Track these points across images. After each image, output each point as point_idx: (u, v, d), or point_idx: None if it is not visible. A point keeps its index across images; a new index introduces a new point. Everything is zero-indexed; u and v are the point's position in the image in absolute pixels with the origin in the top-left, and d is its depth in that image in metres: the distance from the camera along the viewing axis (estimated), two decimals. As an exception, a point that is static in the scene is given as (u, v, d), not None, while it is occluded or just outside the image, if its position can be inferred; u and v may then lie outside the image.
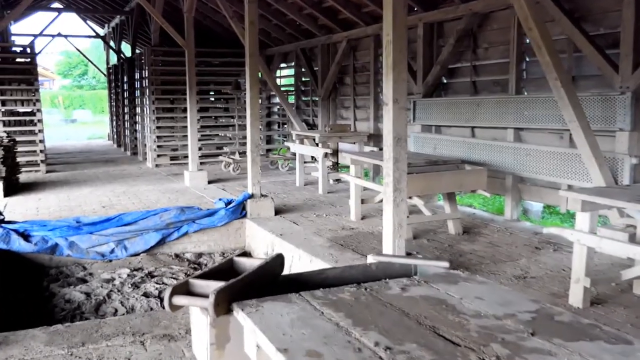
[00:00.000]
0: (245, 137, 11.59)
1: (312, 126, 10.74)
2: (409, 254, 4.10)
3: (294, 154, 10.64)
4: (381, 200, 6.37)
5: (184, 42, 8.66)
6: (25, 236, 5.28)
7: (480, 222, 6.22)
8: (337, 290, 1.96)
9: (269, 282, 2.16)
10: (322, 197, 7.74)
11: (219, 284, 1.89)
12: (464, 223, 5.87)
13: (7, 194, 7.78)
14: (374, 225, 6.01)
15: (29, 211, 6.86)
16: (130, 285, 4.70)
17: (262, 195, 6.51)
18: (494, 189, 6.36)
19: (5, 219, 5.53)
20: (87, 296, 4.52)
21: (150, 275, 5.07)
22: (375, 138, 8.77)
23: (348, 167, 9.16)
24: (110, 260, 5.50)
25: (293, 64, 11.49)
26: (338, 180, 8.75)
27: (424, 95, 7.53)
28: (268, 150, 12.47)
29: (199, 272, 2.17)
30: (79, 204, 7.29)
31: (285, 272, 5.27)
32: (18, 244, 5.18)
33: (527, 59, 6.25)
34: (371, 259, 2.39)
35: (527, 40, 6.20)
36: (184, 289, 2.01)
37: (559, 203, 5.82)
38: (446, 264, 2.17)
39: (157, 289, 4.61)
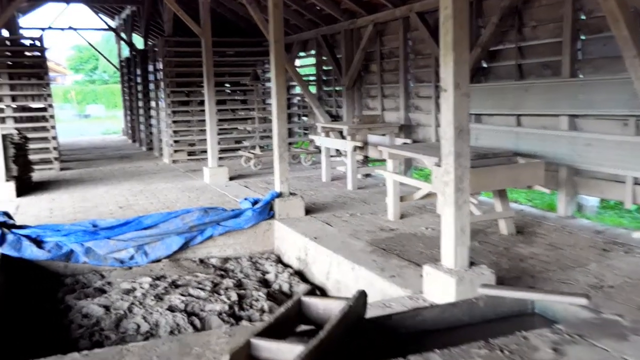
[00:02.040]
0: (265, 130, 11.19)
1: (335, 117, 10.19)
2: (473, 263, 3.56)
3: (317, 148, 10.15)
4: (422, 197, 5.85)
5: (199, 30, 8.15)
6: (38, 242, 4.84)
7: (531, 219, 5.65)
8: (462, 354, 1.44)
9: (352, 326, 1.65)
10: (352, 193, 7.22)
11: (297, 349, 1.37)
12: (514, 221, 5.30)
13: (19, 194, 7.37)
14: (415, 226, 5.48)
15: (42, 213, 6.43)
16: (152, 297, 4.24)
17: (290, 194, 6.01)
18: (545, 182, 5.77)
19: (17, 224, 5.09)
20: (107, 310, 4.06)
21: (174, 284, 4.60)
22: (406, 129, 8.21)
23: (378, 161, 8.63)
24: (130, 267, 5.05)
25: (313, 52, 10.92)
26: (368, 175, 8.21)
27: (463, 82, 6.93)
28: (289, 144, 11.93)
29: (261, 326, 1.60)
30: (94, 205, 6.85)
31: (323, 278, 4.80)
32: (30, 251, 4.74)
33: (583, 37, 5.62)
34: (479, 290, 1.87)
35: (583, 16, 5.60)
36: (244, 354, 1.49)
37: (623, 197, 5.23)
38: (583, 301, 1.64)
39: (182, 301, 4.13)
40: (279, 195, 5.89)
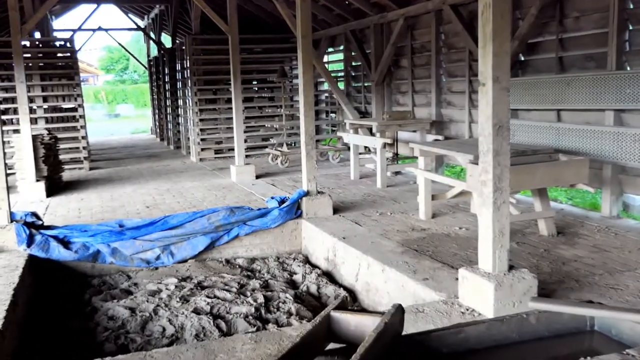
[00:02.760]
0: (293, 128, 11.06)
1: (364, 114, 9.98)
2: (512, 267, 3.33)
3: (345, 145, 9.96)
4: (455, 196, 5.61)
5: (226, 27, 8.06)
6: (65, 243, 4.81)
7: (573, 219, 5.35)
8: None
9: (389, 345, 1.47)
10: (381, 191, 7.02)
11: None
12: (554, 222, 5.02)
13: (49, 194, 7.43)
14: (448, 226, 5.26)
15: (70, 213, 6.44)
16: (178, 299, 4.14)
17: (318, 192, 5.85)
18: (589, 181, 5.45)
19: (45, 224, 5.08)
20: (132, 312, 3.98)
21: (200, 285, 4.50)
22: (437, 125, 7.95)
23: (408, 158, 8.40)
24: (156, 268, 4.98)
25: (342, 47, 10.72)
26: (397, 173, 7.99)
27: (498, 75, 6.63)
28: (316, 141, 11.78)
29: (285, 348, 1.41)
30: (122, 204, 6.83)
31: (352, 280, 4.63)
32: (57, 252, 4.72)
33: (631, 28, 5.28)
34: (531, 304, 1.67)
35: (631, 5, 5.26)
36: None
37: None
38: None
39: (208, 303, 4.02)
40: (307, 193, 5.74)
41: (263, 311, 3.99)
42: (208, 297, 4.13)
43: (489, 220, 3.24)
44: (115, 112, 32.58)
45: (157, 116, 15.96)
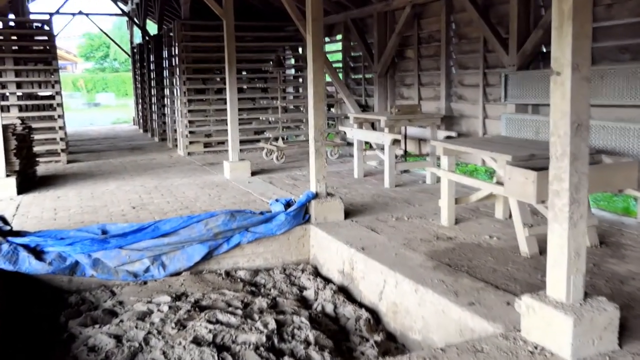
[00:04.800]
0: (287, 121, 10.41)
1: (364, 107, 9.38)
2: (587, 295, 2.76)
3: (344, 140, 9.37)
4: (481, 199, 5.05)
5: (221, 11, 7.34)
6: (38, 253, 4.11)
7: (608, 227, 4.84)
8: None
9: None
10: (390, 192, 6.43)
11: None
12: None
13: (21, 191, 6.67)
14: (476, 234, 4.69)
15: (45, 213, 5.71)
16: (174, 324, 3.49)
17: (328, 194, 5.23)
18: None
19: (13, 229, 4.37)
20: (118, 341, 3.33)
21: (198, 305, 3.86)
22: (447, 120, 7.38)
23: (417, 156, 7.83)
24: (145, 282, 4.31)
25: (339, 37, 10.08)
26: (405, 171, 7.42)
27: (519, 68, 6.10)
28: (311, 135, 11.15)
29: None
30: (104, 204, 6.12)
31: (374, 298, 4.03)
32: (28, 264, 4.02)
33: None
34: None
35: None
36: None
37: None
38: None
39: (210, 331, 3.38)
40: (315, 196, 5.12)
41: (276, 340, 3.37)
42: (209, 322, 3.49)
43: (563, 239, 2.66)
44: (95, 101, 31.42)
45: (140, 106, 15.14)
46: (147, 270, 4.32)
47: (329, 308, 4.04)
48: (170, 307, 3.76)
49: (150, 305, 3.81)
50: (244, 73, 10.94)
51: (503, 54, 6.25)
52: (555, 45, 2.65)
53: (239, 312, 3.73)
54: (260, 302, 3.99)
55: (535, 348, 2.69)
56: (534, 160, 4.14)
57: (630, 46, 5.22)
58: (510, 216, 5.07)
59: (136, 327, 3.45)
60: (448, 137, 6.92)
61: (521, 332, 2.82)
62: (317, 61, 5.04)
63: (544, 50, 6.14)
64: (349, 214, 5.32)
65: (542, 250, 4.14)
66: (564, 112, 2.62)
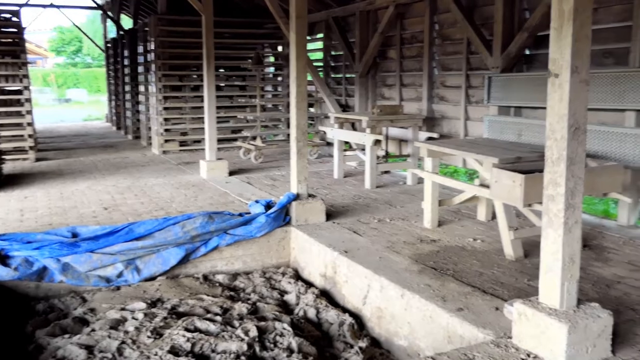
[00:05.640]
0: (268, 120, 10.22)
1: (344, 107, 9.27)
2: (580, 301, 2.71)
3: (323, 140, 9.25)
4: (464, 202, 4.98)
5: (200, 6, 7.13)
6: (2, 257, 3.86)
7: (590, 229, 4.83)
8: None
9: None
10: (371, 193, 6.33)
11: None
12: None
13: (-14, 189, 6.34)
14: (459, 236, 4.63)
15: (10, 215, 5.41)
16: (149, 333, 3.31)
17: (309, 196, 5.10)
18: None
19: (-24, 231, 4.11)
20: (90, 353, 3.13)
21: (175, 311, 3.68)
22: (428, 121, 7.32)
23: (398, 157, 7.76)
24: (118, 288, 4.10)
25: (321, 35, 9.95)
26: (385, 172, 7.34)
27: (503, 70, 6.07)
28: (289, 135, 11.00)
29: None
30: (74, 204, 5.84)
31: (358, 303, 3.91)
32: (-8, 269, 3.77)
33: None
34: None
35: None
36: None
37: None
38: None
39: (188, 339, 3.21)
40: (296, 197, 4.97)
41: (258, 348, 3.22)
42: (187, 329, 3.32)
43: (557, 245, 2.60)
44: (66, 97, 30.54)
45: (114, 103, 14.73)
46: (120, 275, 4.11)
47: (311, 313, 3.91)
48: (145, 315, 3.57)
49: (123, 313, 3.61)
50: (221, 70, 10.72)
51: (487, 55, 6.21)
52: (554, 46, 2.57)
53: (218, 318, 3.57)
54: (240, 307, 3.84)
55: (528, 356, 2.62)
56: (520, 163, 4.13)
57: (614, 50, 5.23)
58: (493, 218, 5.05)
59: (109, 337, 3.25)
60: (430, 138, 6.87)
61: (512, 339, 2.75)
62: (300, 59, 4.90)
63: (528, 53, 6.13)
64: (330, 215, 5.20)
65: (527, 253, 4.13)
66: (561, 115, 2.55)
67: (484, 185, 4.52)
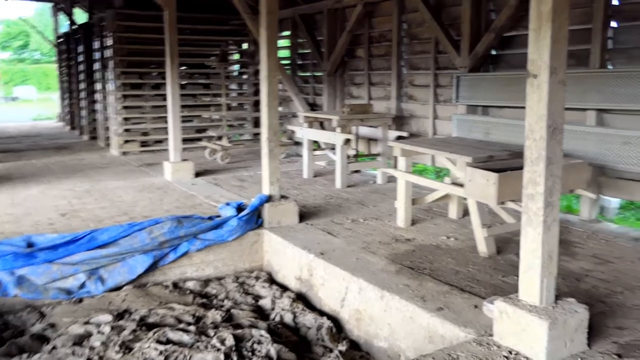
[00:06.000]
0: (234, 119, 9.99)
1: (312, 106, 9.15)
2: (558, 297, 2.73)
3: (291, 139, 9.11)
4: (436, 200, 4.96)
5: (163, 0, 6.85)
6: (-50, 269, 3.55)
7: (555, 225, 4.91)
8: None
9: None
10: (343, 193, 6.25)
11: None
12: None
13: None
14: (433, 235, 4.61)
15: (-42, 222, 5.03)
16: (118, 347, 3.09)
17: (282, 197, 4.95)
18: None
19: None
20: (52, 372, 2.89)
21: (145, 323, 3.47)
22: (397, 120, 7.30)
23: (367, 156, 7.69)
24: (81, 300, 3.84)
25: (287, 33, 9.78)
26: (356, 171, 7.27)
27: (471, 70, 6.11)
28: (255, 135, 10.80)
29: None
30: (27, 211, 5.46)
31: (335, 305, 3.80)
32: (-61, 283, 3.45)
33: (616, 25, 4.99)
34: None
35: (616, 1, 4.93)
36: None
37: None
38: None
39: (161, 353, 3.02)
40: (269, 199, 4.82)
41: (235, 358, 3.07)
42: (159, 342, 3.13)
43: (537, 243, 2.63)
44: (13, 95, 29.10)
45: (67, 101, 14.08)
46: (82, 286, 3.86)
47: (288, 318, 3.78)
48: (112, 328, 3.35)
49: (88, 327, 3.38)
50: (183, 68, 10.40)
51: (455, 55, 6.24)
52: (533, 47, 2.60)
53: (192, 328, 3.39)
54: (214, 315, 3.67)
55: (510, 353, 2.63)
56: (493, 161, 4.15)
57: (575, 52, 5.34)
58: (464, 216, 5.06)
59: (73, 354, 3.03)
60: (399, 137, 6.84)
61: (494, 336, 2.76)
62: (271, 57, 4.76)
63: (494, 53, 6.19)
64: (303, 216, 5.08)
65: (499, 250, 4.18)
66: (540, 115, 2.59)
67: (456, 183, 4.52)
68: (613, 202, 5.86)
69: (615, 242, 4.41)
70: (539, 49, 2.55)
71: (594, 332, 2.80)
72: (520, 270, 2.74)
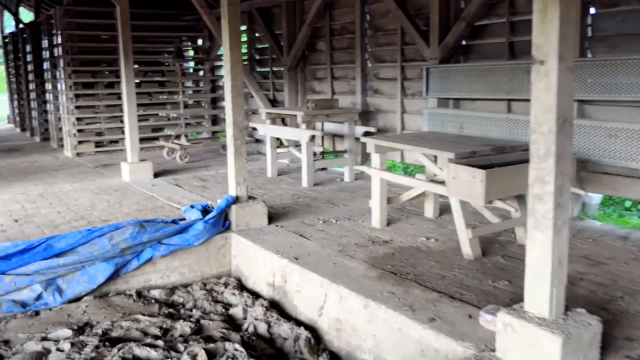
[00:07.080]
0: (192, 117, 9.64)
1: (272, 102, 8.94)
2: (567, 308, 2.53)
3: (252, 137, 8.89)
4: (412, 199, 4.83)
5: (114, -5, 6.50)
6: None
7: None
8: None
9: None
10: (310, 192, 6.09)
11: None
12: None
13: None
14: (411, 235, 4.46)
15: None
16: (79, 367, 2.84)
17: (249, 198, 4.75)
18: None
19: None
20: (5, 398, 2.62)
21: (108, 338, 3.21)
22: (363, 115, 7.18)
23: (332, 153, 7.54)
24: (37, 313, 3.54)
25: (244, 28, 9.51)
26: (322, 169, 7.13)
27: (441, 61, 6.01)
28: (214, 133, 10.52)
29: None
30: (-25, 218, 5.08)
31: (313, 314, 3.60)
32: None
33: (594, 11, 4.88)
34: None
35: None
36: None
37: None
38: None
39: (128, 371, 2.78)
40: (236, 200, 4.61)
41: (209, 373, 2.86)
42: (125, 359, 2.88)
43: (546, 248, 2.38)
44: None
45: (16, 102, 13.38)
46: (38, 297, 3.56)
47: (262, 328, 3.59)
48: (72, 344, 3.08)
49: (45, 343, 3.10)
50: (136, 66, 9.97)
51: (424, 46, 6.12)
52: (538, 30, 2.33)
53: (160, 342, 3.16)
54: (182, 326, 3.45)
55: None
56: (476, 157, 3.88)
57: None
58: (440, 215, 4.96)
59: (29, 376, 2.75)
60: (367, 133, 6.72)
61: (496, 352, 2.53)
62: (235, 50, 4.53)
63: (464, 43, 6.06)
64: (272, 218, 4.88)
65: (485, 252, 3.99)
66: (548, 106, 2.31)
67: (435, 181, 4.35)
68: (595, 198, 5.79)
69: (603, 241, 4.24)
70: (545, 32, 2.30)
71: (602, 344, 2.56)
72: (526, 279, 2.50)
